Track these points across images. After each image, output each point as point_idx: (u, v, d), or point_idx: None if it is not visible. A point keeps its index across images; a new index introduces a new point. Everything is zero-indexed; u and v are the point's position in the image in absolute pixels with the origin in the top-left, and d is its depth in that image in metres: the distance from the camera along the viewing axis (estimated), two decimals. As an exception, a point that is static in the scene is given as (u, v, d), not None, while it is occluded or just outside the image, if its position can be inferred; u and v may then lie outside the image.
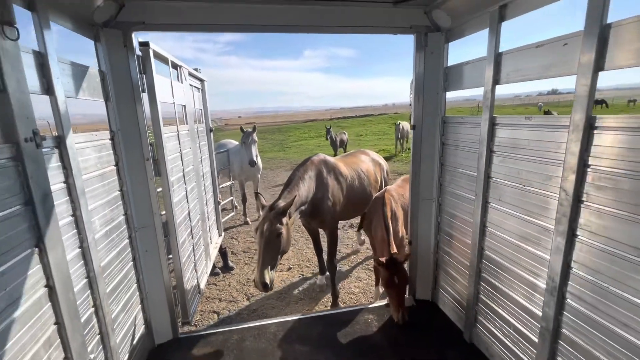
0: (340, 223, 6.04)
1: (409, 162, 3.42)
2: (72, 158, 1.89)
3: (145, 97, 2.64)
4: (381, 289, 4.26)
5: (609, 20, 1.58)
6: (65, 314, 1.67)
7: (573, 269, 1.86)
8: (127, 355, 2.49)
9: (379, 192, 4.00)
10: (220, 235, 5.16)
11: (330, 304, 4.08)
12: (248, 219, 7.29)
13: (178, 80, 3.43)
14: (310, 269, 5.11)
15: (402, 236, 3.55)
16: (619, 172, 1.60)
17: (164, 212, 2.91)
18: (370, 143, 21.03)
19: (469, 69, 2.72)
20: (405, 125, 15.46)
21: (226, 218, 7.08)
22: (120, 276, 2.46)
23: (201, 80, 4.51)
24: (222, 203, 6.35)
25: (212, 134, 4.91)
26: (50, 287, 1.60)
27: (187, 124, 3.64)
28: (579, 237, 1.81)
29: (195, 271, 3.59)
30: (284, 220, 2.95)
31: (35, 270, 1.52)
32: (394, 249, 3.08)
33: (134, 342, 2.63)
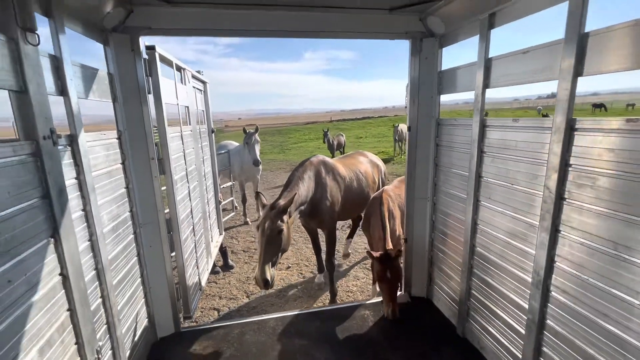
0: (339, 223, 6.15)
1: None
2: (84, 156, 2.00)
3: (150, 98, 2.75)
4: (378, 287, 4.36)
5: (586, 30, 1.70)
6: (77, 301, 1.77)
7: (557, 263, 1.97)
8: (131, 346, 2.59)
9: (376, 192, 4.11)
10: (220, 234, 5.27)
11: (328, 301, 4.18)
12: (248, 219, 7.40)
13: (182, 83, 3.55)
14: (309, 268, 5.21)
15: (399, 235, 3.65)
16: (597, 171, 1.71)
17: (167, 210, 3.02)
18: (370, 145, 21.16)
19: (461, 73, 2.84)
20: (404, 127, 15.60)
21: (226, 218, 7.20)
22: (126, 270, 2.56)
23: (203, 83, 4.63)
24: (223, 203, 6.47)
25: (213, 135, 5.02)
26: (64, 276, 1.70)
27: (190, 124, 3.75)
28: (562, 232, 1.92)
29: (197, 268, 3.69)
30: (285, 218, 3.04)
31: (51, 259, 1.62)
32: (390, 246, 3.19)
33: (138, 334, 2.73)
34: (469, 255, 2.78)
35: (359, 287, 4.59)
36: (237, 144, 7.89)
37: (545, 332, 2.08)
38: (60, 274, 1.69)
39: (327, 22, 2.84)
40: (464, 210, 2.83)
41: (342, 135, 16.45)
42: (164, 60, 3.04)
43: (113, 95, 2.53)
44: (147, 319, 2.94)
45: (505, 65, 2.31)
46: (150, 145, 2.76)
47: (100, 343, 2.03)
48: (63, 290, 1.71)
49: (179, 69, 3.45)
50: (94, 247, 2.09)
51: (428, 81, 3.17)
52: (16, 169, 1.43)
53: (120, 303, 2.41)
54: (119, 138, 2.58)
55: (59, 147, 1.75)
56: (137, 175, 2.75)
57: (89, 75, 2.21)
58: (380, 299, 3.66)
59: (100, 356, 1.98)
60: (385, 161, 14.73)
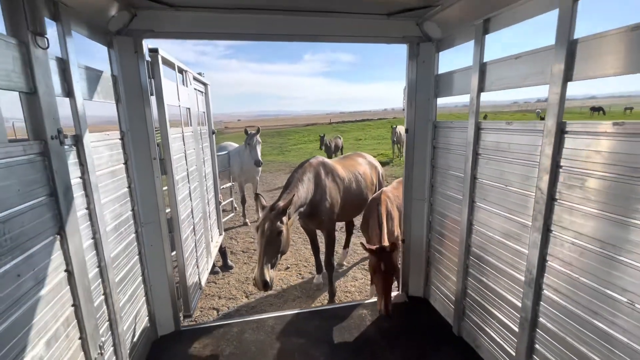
0: (338, 225, 6.20)
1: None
2: (88, 155, 2.06)
3: (153, 99, 2.81)
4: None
5: (575, 36, 1.77)
6: (82, 297, 1.82)
7: (548, 262, 2.03)
8: (132, 344, 2.63)
9: (375, 194, 4.16)
10: (220, 235, 5.31)
11: (326, 301, 4.22)
12: (247, 220, 7.44)
13: (183, 84, 3.61)
14: (308, 268, 5.25)
15: (397, 235, 3.70)
16: (586, 172, 1.77)
17: (168, 209, 3.07)
18: (369, 147, 21.24)
19: (457, 77, 2.91)
20: (402, 129, 15.57)
21: (226, 219, 7.24)
22: (127, 268, 2.60)
23: (205, 84, 4.69)
24: (222, 204, 6.52)
25: (214, 136, 5.08)
26: (69, 272, 1.75)
27: (191, 125, 3.81)
28: (553, 232, 1.98)
29: (197, 267, 3.74)
30: (284, 219, 3.05)
31: (57, 256, 1.67)
32: (386, 242, 3.22)
33: (139, 332, 2.77)
34: (465, 255, 2.84)
35: (357, 287, 4.63)
36: (236, 145, 7.95)
37: (537, 329, 2.14)
38: (65, 270, 1.74)
39: (326, 27, 2.91)
40: (459, 211, 2.89)
41: (340, 138, 16.37)
42: (167, 62, 3.10)
43: (116, 96, 2.59)
44: (147, 317, 2.98)
45: (499, 69, 2.38)
46: (152, 146, 2.81)
47: (103, 339, 2.08)
48: (68, 286, 1.76)
49: (180, 71, 3.52)
50: (97, 245, 2.14)
51: (425, 84, 3.24)
52: (25, 168, 1.49)
53: (121, 300, 2.45)
54: (121, 138, 2.63)
55: (65, 147, 1.80)
56: (139, 175, 2.80)
57: (93, 77, 2.26)
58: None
59: (102, 352, 2.03)
60: (385, 163, 14.81)
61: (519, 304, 2.25)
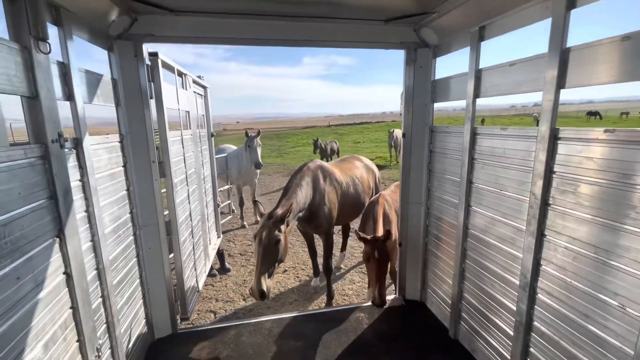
0: (335, 228, 6.22)
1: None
2: (87, 158, 2.07)
3: (152, 103, 2.83)
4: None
5: (568, 45, 1.81)
6: (80, 300, 1.83)
7: (542, 266, 2.06)
8: (129, 346, 2.63)
9: (374, 197, 4.19)
10: (218, 237, 5.32)
11: (323, 304, 4.23)
12: (245, 223, 7.44)
13: (183, 88, 3.63)
14: (305, 271, 5.26)
15: (394, 239, 3.73)
16: (579, 178, 1.80)
17: (166, 212, 3.08)
18: (368, 150, 21.31)
19: (453, 82, 2.95)
20: (399, 133, 15.44)
21: (223, 221, 7.24)
22: (125, 271, 2.61)
23: (204, 87, 4.72)
24: (220, 206, 6.52)
25: (213, 138, 5.10)
26: (68, 274, 1.76)
27: (190, 128, 3.83)
28: (547, 236, 2.01)
29: (195, 270, 3.74)
30: (282, 228, 3.02)
31: (56, 258, 1.69)
32: (380, 233, 3.24)
33: (136, 334, 2.77)
34: (461, 259, 2.86)
35: (354, 290, 4.65)
36: (235, 147, 7.97)
37: (532, 333, 2.16)
38: (64, 273, 1.75)
39: (325, 32, 2.94)
40: (456, 215, 2.92)
41: (335, 142, 16.04)
42: (166, 66, 3.12)
43: (116, 99, 2.61)
44: (145, 320, 2.98)
45: (494, 76, 2.42)
46: (152, 149, 2.83)
47: (100, 342, 2.08)
48: (66, 289, 1.77)
49: (180, 74, 3.54)
50: (95, 248, 2.15)
51: (422, 89, 3.28)
52: (26, 171, 1.51)
53: (119, 303, 2.46)
54: (121, 141, 2.65)
55: (65, 150, 1.82)
56: (138, 178, 2.82)
57: (93, 80, 2.28)
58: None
59: (100, 354, 2.04)
60: (383, 166, 14.86)
61: (514, 308, 2.28)
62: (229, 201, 8.34)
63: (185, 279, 3.32)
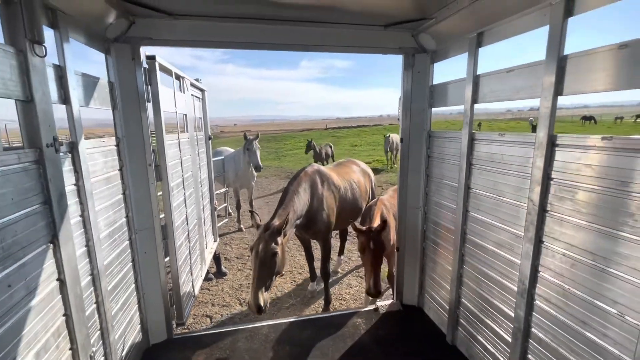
0: (332, 232, 6.20)
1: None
2: (83, 162, 2.05)
3: (149, 106, 2.80)
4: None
5: (566, 52, 1.82)
6: (73, 306, 1.79)
7: (540, 273, 2.05)
8: (124, 353, 2.59)
9: (372, 201, 4.18)
10: (215, 241, 5.28)
11: (320, 309, 4.21)
12: (242, 226, 7.41)
13: (180, 91, 3.61)
14: (302, 275, 5.23)
15: (393, 243, 3.72)
16: (576, 185, 1.80)
17: (162, 215, 3.05)
18: (365, 154, 21.34)
19: (451, 88, 2.96)
20: (396, 137, 14.83)
21: (220, 224, 7.20)
22: (120, 276, 2.58)
23: (202, 90, 4.70)
24: (217, 209, 6.49)
25: (210, 141, 5.08)
26: (61, 281, 1.73)
27: (187, 132, 3.81)
28: (545, 243, 2.01)
29: (191, 274, 3.71)
30: (279, 240, 2.94)
31: (49, 264, 1.66)
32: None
33: (130, 340, 2.73)
34: (459, 265, 2.86)
35: (351, 295, 4.62)
36: (232, 150, 7.95)
37: (530, 340, 2.15)
38: (57, 279, 1.72)
39: (323, 37, 2.94)
40: (453, 220, 2.92)
41: (330, 146, 15.52)
42: (164, 69, 3.10)
43: (113, 103, 2.59)
44: (140, 325, 2.94)
45: (492, 82, 2.42)
46: (148, 152, 2.80)
47: (94, 349, 2.05)
48: (60, 296, 1.74)
49: (178, 77, 3.52)
50: (90, 253, 2.12)
51: (420, 94, 3.29)
52: (20, 176, 1.48)
53: (114, 309, 2.42)
54: (117, 145, 2.63)
55: (60, 154, 1.80)
56: (134, 182, 2.79)
57: (90, 83, 2.26)
58: (372, 307, 3.71)
59: None
60: (379, 170, 14.87)
61: (512, 314, 2.27)
62: (225, 204, 8.30)
63: (181, 284, 3.28)
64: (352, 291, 4.72)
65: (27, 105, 1.55)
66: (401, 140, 3.44)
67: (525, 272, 2.11)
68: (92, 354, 1.99)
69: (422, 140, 3.38)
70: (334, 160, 15.01)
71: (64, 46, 1.89)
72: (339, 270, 5.35)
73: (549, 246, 1.98)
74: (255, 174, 7.33)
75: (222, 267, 5.29)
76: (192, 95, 4.11)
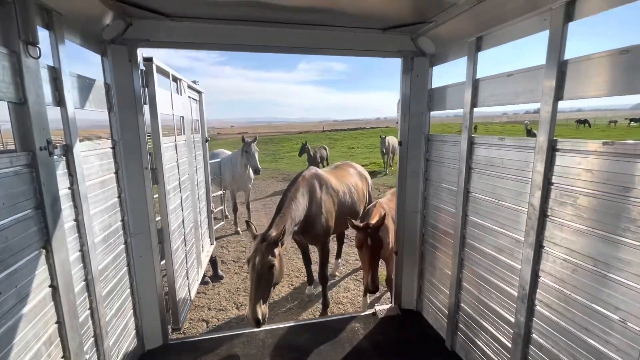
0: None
1: (396, 175, 3.60)
2: (78, 165, 2.01)
3: (146, 108, 2.77)
4: (368, 299, 4.37)
5: (566, 57, 1.81)
6: (66, 313, 1.75)
7: (541, 278, 2.04)
8: (118, 359, 2.54)
9: (370, 205, 4.16)
10: (212, 244, 5.23)
11: (318, 312, 4.17)
12: (239, 229, 7.35)
13: (177, 93, 3.58)
14: (300, 279, 5.19)
15: (391, 247, 3.69)
16: (577, 189, 1.80)
17: (158, 218, 3.01)
18: (362, 156, 21.36)
19: (450, 91, 2.95)
20: (392, 140, 14.63)
21: (217, 227, 7.15)
22: (115, 280, 2.53)
23: (199, 92, 4.67)
24: (214, 212, 6.44)
25: (207, 144, 5.04)
26: (54, 287, 1.69)
27: (184, 134, 3.77)
28: (545, 248, 2.00)
29: (187, 278, 3.66)
30: (276, 251, 2.88)
31: (41, 271, 1.61)
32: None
33: (125, 346, 2.68)
34: (458, 269, 2.84)
35: (349, 298, 4.59)
36: (229, 152, 7.90)
37: (530, 345, 2.13)
38: (50, 286, 1.67)
39: (322, 40, 2.93)
40: (453, 224, 2.90)
41: (325, 149, 15.13)
42: (161, 71, 3.07)
43: (109, 105, 2.55)
44: (134, 331, 2.89)
45: (491, 86, 2.42)
46: (145, 155, 2.76)
47: (87, 356, 2.00)
48: (52, 302, 1.69)
49: (175, 79, 3.49)
50: (84, 258, 2.07)
51: (419, 98, 3.28)
52: (12, 180, 1.44)
53: (108, 315, 2.37)
54: (113, 147, 2.59)
55: (54, 157, 1.76)
56: (130, 185, 2.75)
57: (85, 85, 2.23)
58: (370, 311, 3.68)
59: None
60: (377, 172, 14.87)
61: (512, 320, 2.25)
62: (222, 207, 8.25)
63: (177, 288, 3.24)
64: (349, 294, 4.69)
65: (20, 107, 1.51)
66: (400, 143, 3.43)
67: (526, 277, 2.09)
68: None
69: (421, 144, 3.37)
70: (328, 163, 14.64)
71: (59, 47, 1.86)
72: (337, 273, 5.31)
73: (550, 251, 1.97)
74: (253, 176, 7.29)
75: (219, 271, 5.23)
76: (189, 97, 4.07)
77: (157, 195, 2.98)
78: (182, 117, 3.71)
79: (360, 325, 3.43)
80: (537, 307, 2.07)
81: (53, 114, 1.88)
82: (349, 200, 4.27)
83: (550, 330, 1.98)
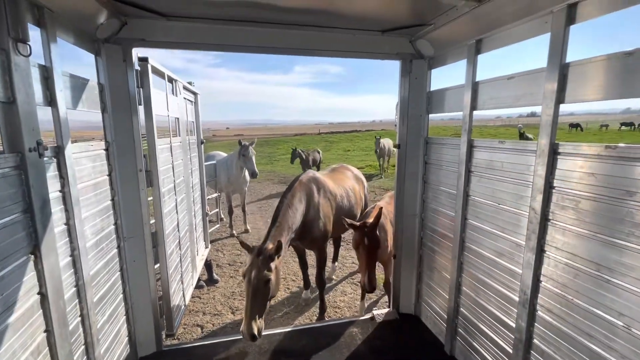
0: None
1: (393, 178, 3.58)
2: (69, 167, 1.94)
3: (141, 109, 2.71)
4: (366, 303, 4.33)
5: (567, 60, 1.80)
6: (55, 322, 1.68)
7: (542, 283, 2.02)
8: None
9: (368, 208, 4.12)
10: (206, 247, 5.15)
11: (314, 317, 4.11)
12: (234, 231, 7.28)
13: (173, 94, 3.52)
14: (297, 282, 5.13)
15: (390, 250, 3.66)
16: (579, 193, 1.78)
17: (152, 221, 2.94)
18: (358, 159, 21.39)
19: (449, 94, 2.94)
20: (386, 142, 14.43)
21: (212, 230, 7.06)
22: (107, 286, 2.46)
23: (194, 94, 4.61)
24: (209, 215, 6.36)
25: (202, 145, 4.98)
26: (43, 294, 1.62)
27: (179, 136, 3.71)
28: (547, 252, 1.98)
29: (182, 283, 3.58)
30: (272, 265, 2.80)
31: (30, 277, 1.54)
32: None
33: (117, 354, 2.60)
34: (457, 273, 2.81)
35: (346, 302, 4.54)
36: (224, 154, 7.83)
37: (532, 351, 2.11)
38: (38, 293, 1.60)
39: (320, 41, 2.90)
40: (452, 228, 2.88)
41: (318, 152, 14.80)
42: (156, 71, 3.01)
43: (103, 105, 2.49)
44: (127, 338, 2.81)
45: (491, 89, 2.41)
46: (139, 157, 2.70)
47: None
48: (41, 310, 1.62)
49: (170, 80, 3.43)
50: (75, 263, 2.00)
51: (417, 101, 3.26)
52: None
53: (100, 322, 2.30)
54: (106, 149, 2.52)
55: (45, 159, 1.69)
56: (124, 188, 2.68)
57: (78, 85, 2.17)
58: (368, 315, 3.63)
59: None
60: (373, 175, 14.87)
61: (513, 325, 2.23)
62: (217, 209, 8.16)
63: (172, 293, 3.16)
64: (346, 298, 4.64)
65: (8, 106, 1.45)
66: (398, 146, 3.40)
67: (527, 281, 2.07)
68: None
69: (419, 147, 3.35)
70: (319, 168, 14.30)
71: (51, 46, 1.80)
72: (333, 277, 5.26)
73: (551, 256, 1.95)
74: (248, 178, 7.22)
75: (214, 274, 5.15)
76: (184, 98, 4.01)
77: (151, 198, 2.91)
78: (178, 118, 3.65)
79: (358, 330, 3.38)
80: (539, 312, 2.05)
81: (44, 114, 1.82)
82: (347, 203, 4.22)
83: (552, 336, 1.96)
